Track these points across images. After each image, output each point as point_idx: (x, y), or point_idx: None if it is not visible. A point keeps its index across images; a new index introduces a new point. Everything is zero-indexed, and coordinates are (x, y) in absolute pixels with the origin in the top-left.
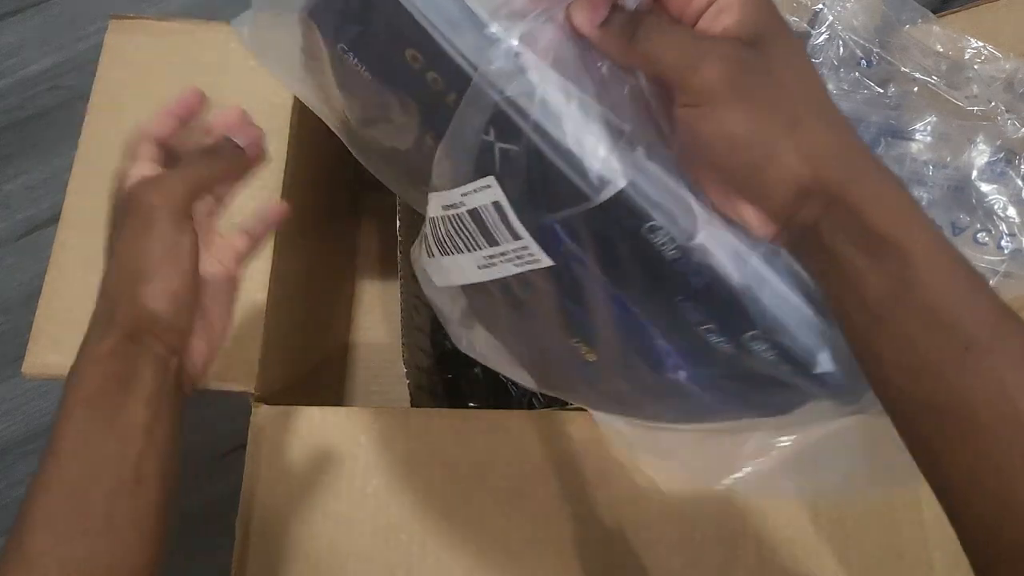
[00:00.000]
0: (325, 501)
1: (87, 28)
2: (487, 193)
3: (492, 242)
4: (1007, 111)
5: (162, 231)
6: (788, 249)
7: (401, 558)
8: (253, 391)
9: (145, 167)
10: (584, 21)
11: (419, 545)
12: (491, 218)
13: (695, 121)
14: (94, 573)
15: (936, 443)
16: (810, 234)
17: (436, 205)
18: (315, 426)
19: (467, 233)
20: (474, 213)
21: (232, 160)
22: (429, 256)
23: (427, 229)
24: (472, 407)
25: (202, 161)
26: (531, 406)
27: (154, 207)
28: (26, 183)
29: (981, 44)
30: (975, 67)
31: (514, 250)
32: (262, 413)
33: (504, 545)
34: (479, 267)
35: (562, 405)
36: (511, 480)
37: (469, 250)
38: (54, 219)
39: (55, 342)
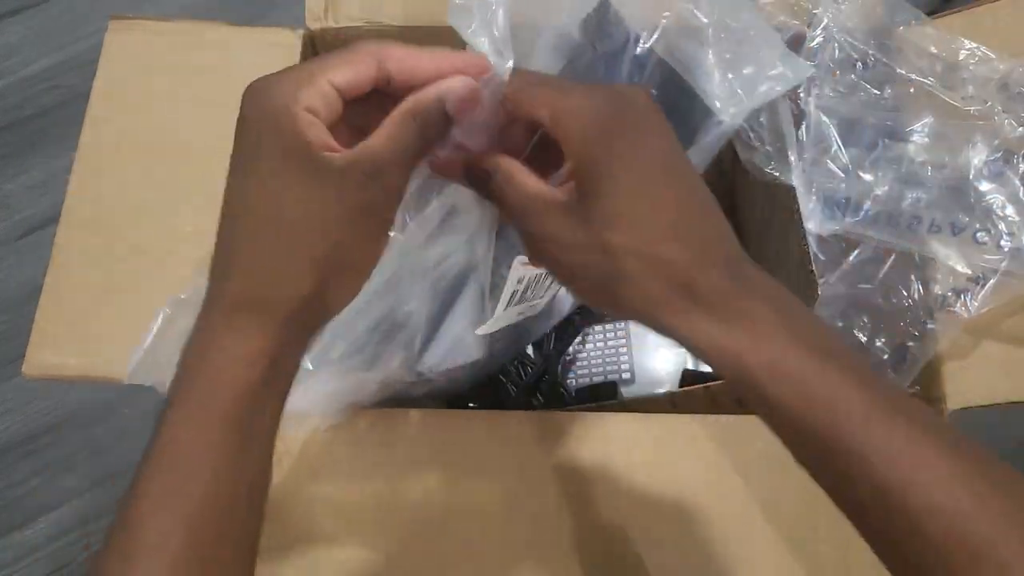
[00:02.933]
0: (324, 501)
1: (87, 28)
2: None
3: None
4: (1003, 111)
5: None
6: None
7: (401, 558)
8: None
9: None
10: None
11: (419, 545)
12: None
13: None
14: None
15: (858, 526)
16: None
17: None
18: (315, 426)
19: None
20: None
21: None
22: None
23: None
24: (472, 407)
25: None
26: (531, 406)
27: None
28: (26, 183)
29: (975, 46)
30: (970, 68)
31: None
32: None
33: (504, 545)
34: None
35: (562, 405)
36: (511, 480)
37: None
38: (54, 219)
39: (55, 342)
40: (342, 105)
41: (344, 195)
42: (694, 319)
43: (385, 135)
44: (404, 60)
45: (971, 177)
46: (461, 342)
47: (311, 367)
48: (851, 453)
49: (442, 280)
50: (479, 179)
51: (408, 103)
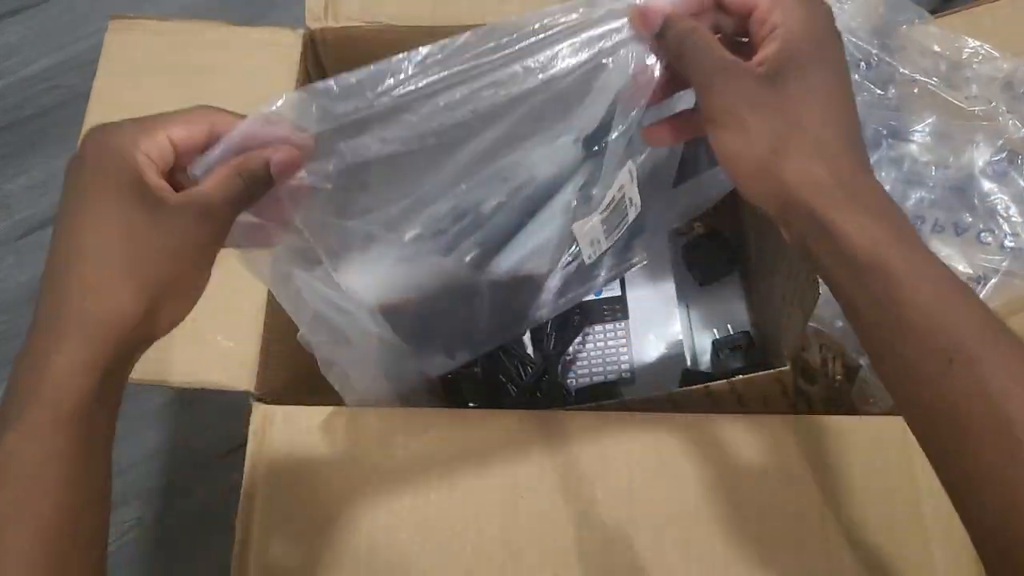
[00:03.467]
0: (325, 501)
1: (87, 28)
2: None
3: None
4: (1007, 111)
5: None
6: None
7: (401, 558)
8: (253, 391)
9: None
10: (642, 26)
11: (419, 545)
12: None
13: (708, 131)
14: None
15: (934, 446)
16: (802, 246)
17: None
18: (315, 426)
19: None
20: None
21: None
22: None
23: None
24: (472, 407)
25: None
26: (531, 406)
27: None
28: (26, 183)
29: (978, 44)
30: (973, 67)
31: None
32: (262, 413)
33: (504, 545)
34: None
35: (562, 405)
36: (511, 480)
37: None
38: (54, 219)
39: None
40: (174, 159)
41: (176, 230)
42: (847, 208)
43: (216, 182)
44: (233, 126)
45: (975, 177)
46: (537, 250)
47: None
48: (970, 360)
49: (528, 187)
50: (676, 41)
51: (238, 160)
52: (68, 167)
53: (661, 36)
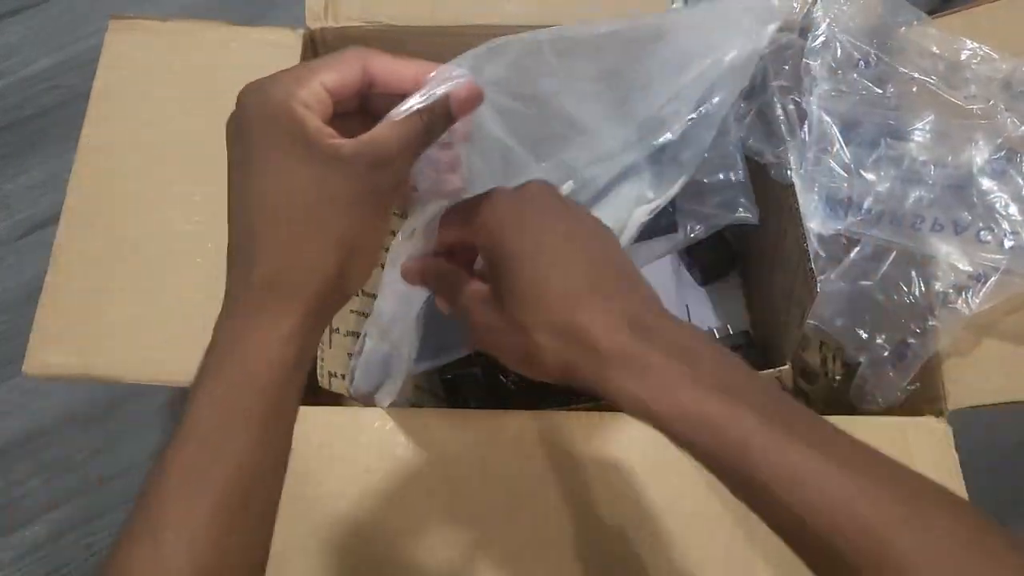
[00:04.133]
0: (324, 501)
1: (87, 28)
2: None
3: None
4: (1006, 109)
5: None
6: None
7: (401, 558)
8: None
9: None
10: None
11: (419, 545)
12: None
13: None
14: (226, 570)
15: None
16: None
17: None
18: (315, 426)
19: None
20: None
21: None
22: None
23: None
24: (472, 407)
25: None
26: (531, 406)
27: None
28: (26, 183)
29: (976, 45)
30: (972, 67)
31: None
32: None
33: (504, 545)
34: None
35: (562, 405)
36: (511, 480)
37: None
38: (54, 219)
39: (55, 342)
40: (331, 105)
41: (352, 180)
42: (607, 377)
43: (391, 125)
44: (387, 66)
45: (974, 175)
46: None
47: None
48: (757, 482)
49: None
50: (432, 287)
51: (415, 97)
52: (229, 129)
53: (427, 286)
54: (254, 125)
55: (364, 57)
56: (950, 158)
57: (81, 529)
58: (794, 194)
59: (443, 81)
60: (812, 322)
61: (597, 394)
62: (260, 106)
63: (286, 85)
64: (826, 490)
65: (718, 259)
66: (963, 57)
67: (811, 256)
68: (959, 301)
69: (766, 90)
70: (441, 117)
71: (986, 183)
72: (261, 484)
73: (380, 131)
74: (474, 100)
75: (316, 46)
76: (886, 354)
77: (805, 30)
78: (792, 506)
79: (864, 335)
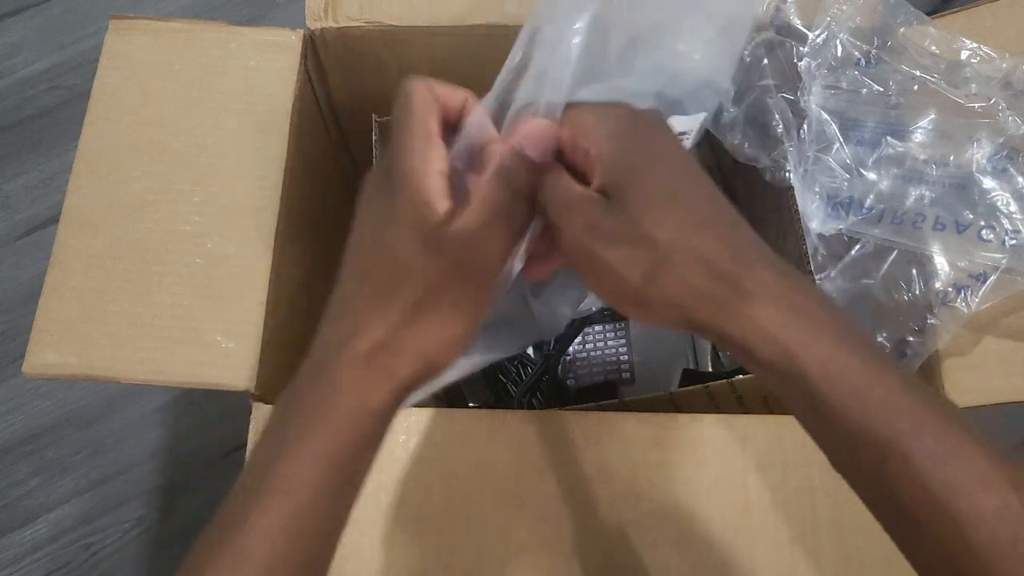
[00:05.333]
0: None
1: (87, 28)
2: None
3: None
4: (1007, 108)
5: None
6: None
7: (400, 558)
8: (253, 391)
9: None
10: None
11: (418, 545)
12: None
13: (577, 275)
14: None
15: (894, 535)
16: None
17: None
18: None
19: None
20: None
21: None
22: None
23: None
24: (472, 407)
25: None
26: (531, 406)
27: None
28: (26, 183)
29: (976, 45)
30: (973, 65)
31: None
32: (262, 413)
33: (504, 545)
34: None
35: (562, 405)
36: (511, 480)
37: None
38: (54, 219)
39: (55, 342)
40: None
41: (442, 256)
42: (741, 313)
43: (478, 198)
44: (443, 94)
45: (975, 174)
46: None
47: None
48: (903, 458)
49: None
50: (520, 175)
51: (494, 161)
52: (371, 184)
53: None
54: (384, 188)
55: (433, 91)
56: (952, 157)
57: (81, 529)
58: (792, 196)
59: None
60: None
61: (711, 333)
62: (405, 180)
63: (421, 151)
64: (976, 473)
65: None
66: (963, 56)
67: (810, 257)
68: (959, 300)
69: (758, 92)
70: (523, 170)
71: (987, 182)
72: (325, 551)
73: (470, 209)
74: (545, 137)
75: (316, 46)
76: (886, 352)
77: (783, 29)
78: (933, 484)
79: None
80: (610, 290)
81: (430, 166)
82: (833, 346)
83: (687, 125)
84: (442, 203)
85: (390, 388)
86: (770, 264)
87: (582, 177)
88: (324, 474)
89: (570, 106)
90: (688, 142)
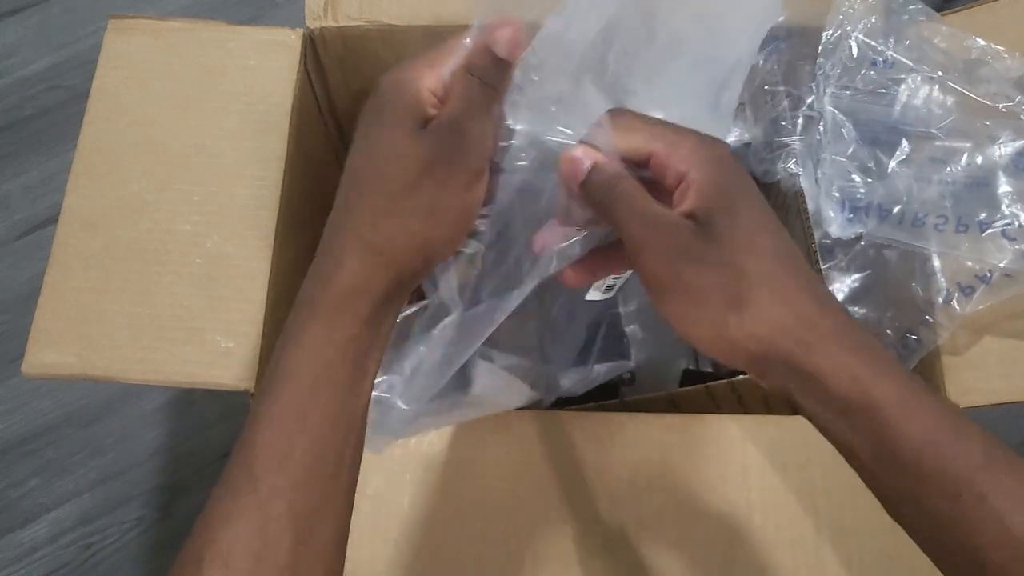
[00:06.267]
0: None
1: (87, 28)
2: None
3: None
4: None
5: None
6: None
7: (400, 559)
8: (253, 391)
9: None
10: (568, 175)
11: (418, 546)
12: None
13: (650, 296)
14: (319, 522)
15: None
16: (784, 394)
17: None
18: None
19: None
20: None
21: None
22: None
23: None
24: None
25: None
26: (531, 406)
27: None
28: (25, 183)
29: (986, 43)
30: (988, 62)
31: None
32: None
33: (504, 545)
34: None
35: (562, 405)
36: (511, 480)
37: None
38: (53, 219)
39: (54, 342)
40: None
41: (434, 152)
42: (820, 350)
43: (454, 94)
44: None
45: (998, 174)
46: None
47: None
48: (979, 496)
49: None
50: (602, 190)
51: (462, 60)
52: (366, 107)
53: (586, 185)
54: (386, 103)
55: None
56: (971, 156)
57: (81, 529)
58: (803, 197)
59: (479, 31)
60: None
61: (792, 370)
62: (394, 87)
63: (418, 70)
64: None
65: None
66: (975, 55)
67: (819, 257)
68: (960, 299)
69: (769, 95)
70: (490, 67)
71: (1012, 182)
72: (348, 440)
73: (446, 104)
74: (517, 34)
75: (316, 46)
76: (892, 343)
77: (819, 26)
78: (1011, 525)
79: (871, 325)
80: (691, 316)
81: (422, 81)
82: (904, 383)
83: None
84: (430, 100)
85: (389, 275)
86: (837, 309)
87: (658, 196)
88: (333, 362)
89: (665, 124)
90: None
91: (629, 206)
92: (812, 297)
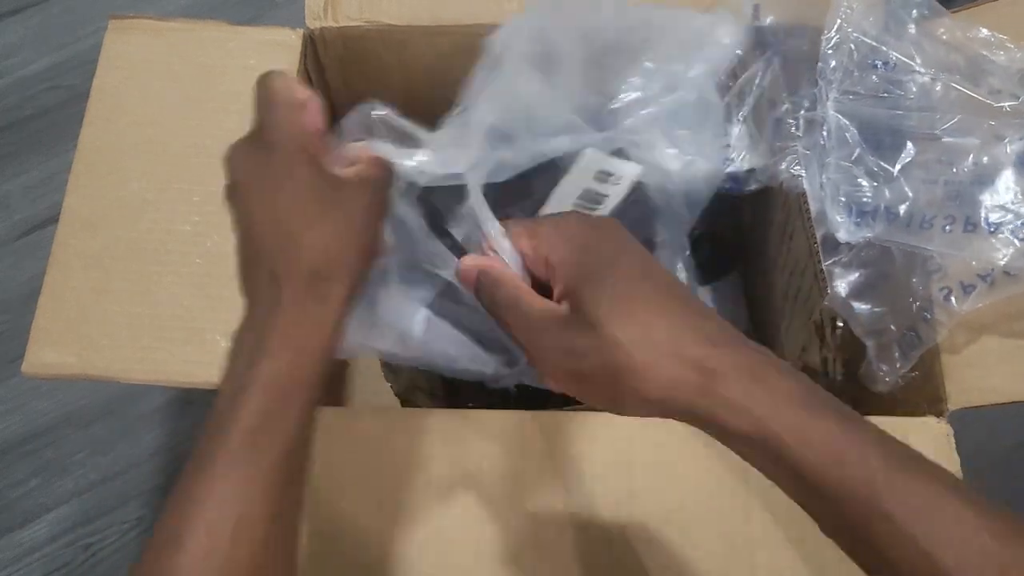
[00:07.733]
0: (323, 501)
1: (87, 28)
2: None
3: None
4: None
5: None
6: None
7: (399, 559)
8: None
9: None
10: (464, 284)
11: (418, 546)
12: None
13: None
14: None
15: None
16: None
17: None
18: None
19: None
20: None
21: None
22: None
23: None
24: (472, 407)
25: None
26: (531, 406)
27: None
28: (25, 183)
29: (990, 34)
30: (991, 59)
31: None
32: None
33: (503, 545)
34: None
35: (562, 405)
36: (510, 480)
37: None
38: (53, 219)
39: (55, 342)
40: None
41: (355, 202)
42: (711, 392)
43: (358, 173)
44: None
45: (1003, 173)
46: None
47: None
48: (879, 512)
49: None
50: (487, 297)
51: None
52: (234, 151)
53: (477, 293)
54: (277, 156)
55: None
56: (977, 156)
57: (80, 529)
58: (805, 199)
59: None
60: (825, 303)
61: (694, 416)
62: (283, 144)
63: (305, 128)
64: (956, 523)
65: (718, 259)
66: (980, 49)
67: (820, 256)
68: (961, 296)
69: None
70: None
71: (1017, 180)
72: (304, 461)
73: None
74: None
75: (316, 46)
76: (894, 339)
77: (819, 27)
78: (917, 538)
79: (874, 320)
80: (593, 398)
81: (300, 114)
82: (803, 411)
83: (624, 171)
84: (320, 122)
85: (344, 294)
86: (733, 342)
87: (546, 288)
88: (293, 396)
89: (538, 219)
90: (622, 188)
91: (512, 312)
92: (698, 338)
